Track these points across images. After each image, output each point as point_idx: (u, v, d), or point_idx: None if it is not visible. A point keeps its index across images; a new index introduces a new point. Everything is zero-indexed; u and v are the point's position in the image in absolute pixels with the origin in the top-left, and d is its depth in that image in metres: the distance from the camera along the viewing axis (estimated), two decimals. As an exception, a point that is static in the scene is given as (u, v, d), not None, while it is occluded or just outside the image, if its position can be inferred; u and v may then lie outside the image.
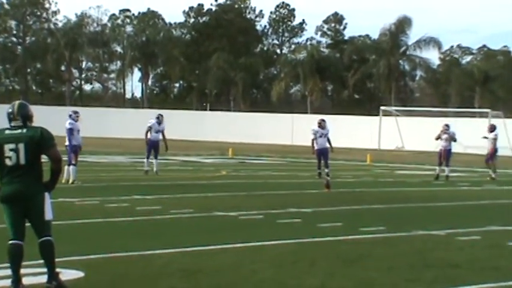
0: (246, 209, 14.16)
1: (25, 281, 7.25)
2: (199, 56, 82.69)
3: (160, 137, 23.52)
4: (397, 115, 53.60)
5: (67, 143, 19.15)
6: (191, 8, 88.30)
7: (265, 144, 49.57)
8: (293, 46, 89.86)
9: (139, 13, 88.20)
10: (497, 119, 45.68)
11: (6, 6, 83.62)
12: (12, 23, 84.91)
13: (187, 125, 56.19)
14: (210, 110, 72.04)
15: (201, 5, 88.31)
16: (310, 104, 73.00)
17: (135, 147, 36.92)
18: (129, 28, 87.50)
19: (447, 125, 24.99)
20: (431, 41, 72.77)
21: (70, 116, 19.67)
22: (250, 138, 53.46)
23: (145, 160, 23.56)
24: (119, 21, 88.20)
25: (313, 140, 23.34)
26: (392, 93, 72.53)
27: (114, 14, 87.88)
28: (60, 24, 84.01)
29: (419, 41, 73.36)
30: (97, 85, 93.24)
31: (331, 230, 11.86)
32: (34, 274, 7.66)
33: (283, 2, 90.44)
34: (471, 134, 36.15)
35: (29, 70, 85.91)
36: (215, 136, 55.02)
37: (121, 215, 13.06)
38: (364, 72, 77.16)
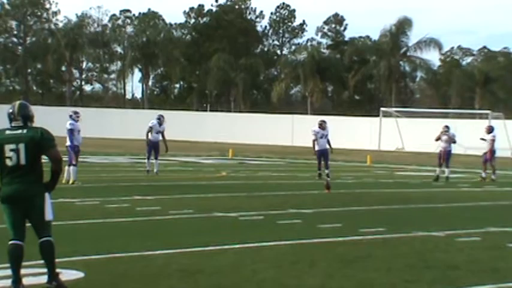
0: (246, 210, 14.16)
1: (25, 281, 7.25)
2: (200, 56, 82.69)
3: (161, 137, 23.54)
4: (398, 116, 53.54)
5: (68, 143, 19.15)
6: (191, 9, 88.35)
7: (265, 145, 49.57)
8: (293, 47, 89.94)
9: (139, 14, 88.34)
10: (497, 120, 45.68)
11: (7, 6, 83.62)
12: (13, 23, 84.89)
13: (187, 125, 56.15)
14: (210, 110, 72.07)
15: (201, 6, 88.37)
16: (310, 105, 72.98)
17: (136, 148, 36.95)
18: (129, 29, 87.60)
19: (447, 126, 24.98)
20: (432, 42, 72.74)
21: (70, 116, 19.66)
22: (250, 139, 53.40)
23: (146, 161, 23.63)
24: (120, 21, 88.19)
25: (314, 140, 23.38)
26: (393, 94, 72.54)
27: (114, 15, 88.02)
28: (60, 25, 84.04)
29: (420, 42, 73.39)
30: (97, 85, 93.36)
31: (331, 230, 11.87)
32: (34, 274, 7.66)
33: (283, 3, 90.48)
34: (471, 135, 36.12)
35: (29, 70, 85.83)
36: (215, 137, 55.04)
37: (121, 216, 13.06)
38: (365, 73, 77.14)
